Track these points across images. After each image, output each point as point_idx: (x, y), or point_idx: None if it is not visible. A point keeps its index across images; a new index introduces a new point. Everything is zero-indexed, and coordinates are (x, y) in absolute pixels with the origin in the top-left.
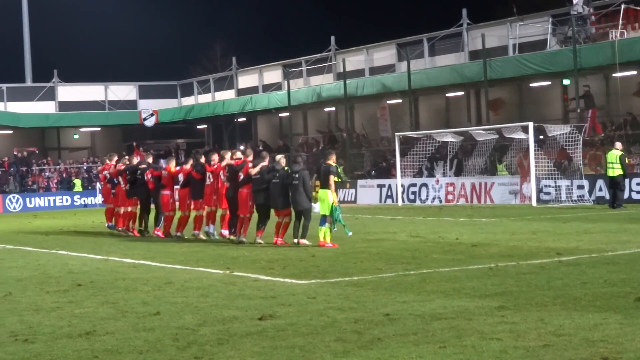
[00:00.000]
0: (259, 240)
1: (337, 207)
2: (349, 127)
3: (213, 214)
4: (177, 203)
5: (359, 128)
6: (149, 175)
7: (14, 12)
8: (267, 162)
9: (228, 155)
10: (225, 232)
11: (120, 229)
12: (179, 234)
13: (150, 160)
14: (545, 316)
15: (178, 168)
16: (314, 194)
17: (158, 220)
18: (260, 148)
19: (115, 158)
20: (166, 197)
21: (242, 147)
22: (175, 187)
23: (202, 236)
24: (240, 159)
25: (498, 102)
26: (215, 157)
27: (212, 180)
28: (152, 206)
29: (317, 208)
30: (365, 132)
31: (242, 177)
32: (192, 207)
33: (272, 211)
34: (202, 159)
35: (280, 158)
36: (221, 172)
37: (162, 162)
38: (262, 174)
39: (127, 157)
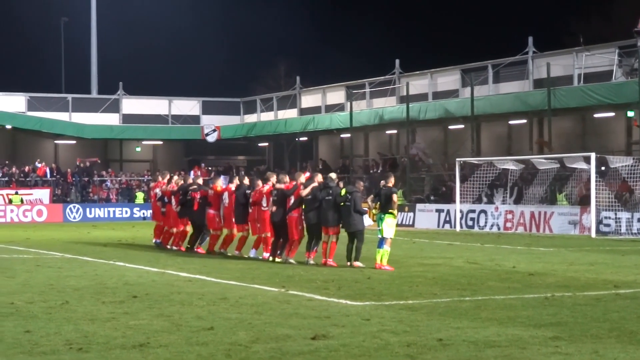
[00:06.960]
0: (311, 262)
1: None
2: (410, 151)
3: (259, 239)
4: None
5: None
6: (198, 196)
7: (82, 24)
8: (318, 182)
9: (273, 178)
10: (267, 254)
11: (168, 246)
12: (237, 252)
13: (200, 181)
14: (599, 348)
15: (224, 187)
16: (367, 214)
17: (201, 239)
18: (320, 167)
19: (168, 177)
20: (212, 215)
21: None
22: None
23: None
24: (288, 182)
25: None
26: (259, 183)
27: (251, 209)
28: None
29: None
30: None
31: (292, 200)
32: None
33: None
34: (247, 181)
35: (335, 176)
36: (264, 197)
37: (222, 179)
38: (314, 193)
39: (181, 174)
